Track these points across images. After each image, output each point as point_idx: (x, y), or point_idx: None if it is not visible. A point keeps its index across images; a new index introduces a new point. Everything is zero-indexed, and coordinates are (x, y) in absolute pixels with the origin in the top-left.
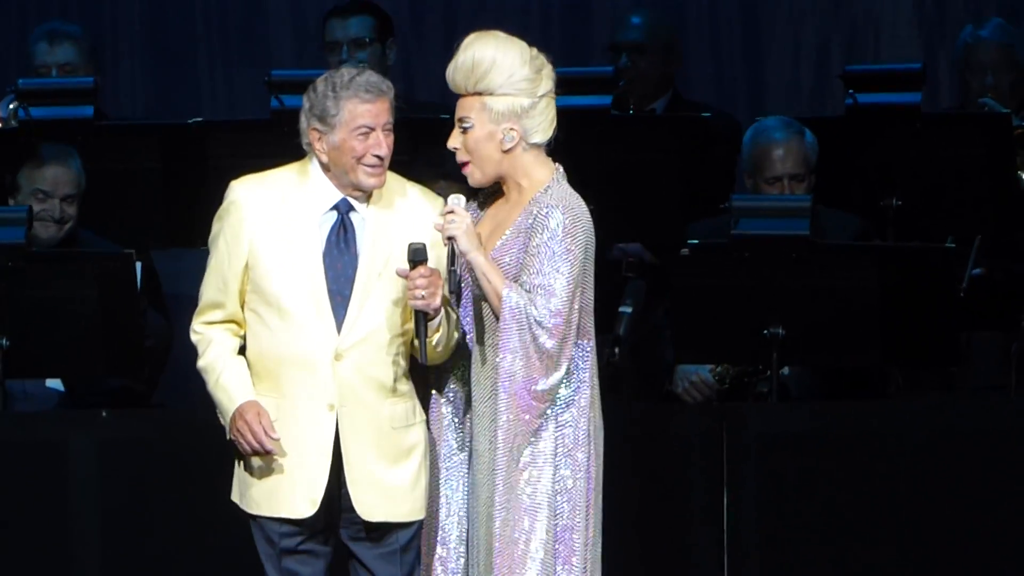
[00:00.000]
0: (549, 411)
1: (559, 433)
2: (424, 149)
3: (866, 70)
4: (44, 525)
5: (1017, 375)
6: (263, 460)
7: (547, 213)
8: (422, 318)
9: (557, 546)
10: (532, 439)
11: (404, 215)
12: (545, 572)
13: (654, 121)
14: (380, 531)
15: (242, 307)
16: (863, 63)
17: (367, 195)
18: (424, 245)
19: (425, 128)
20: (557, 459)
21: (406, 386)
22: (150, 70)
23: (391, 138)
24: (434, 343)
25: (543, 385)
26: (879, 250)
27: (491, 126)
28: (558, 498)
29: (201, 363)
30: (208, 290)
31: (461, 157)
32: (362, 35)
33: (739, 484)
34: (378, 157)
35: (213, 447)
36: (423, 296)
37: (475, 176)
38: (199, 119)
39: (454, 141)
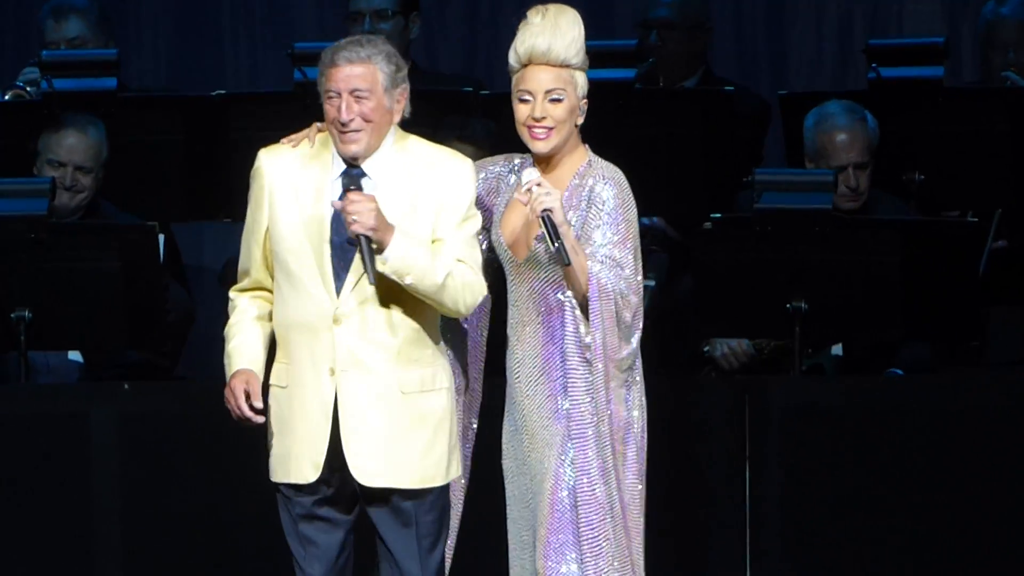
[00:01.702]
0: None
1: (624, 404)
2: (449, 119)
3: (889, 44)
4: (65, 497)
5: None
6: (276, 428)
7: (604, 186)
8: (364, 242)
9: (625, 515)
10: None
11: (423, 178)
12: (618, 542)
13: (678, 95)
14: (392, 501)
15: (270, 274)
16: (886, 37)
17: (383, 158)
18: (361, 172)
19: (448, 100)
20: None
21: (424, 352)
22: (173, 42)
23: (369, 105)
24: (383, 266)
25: (624, 354)
26: (901, 224)
27: (575, 100)
28: (622, 467)
29: (225, 330)
30: (241, 257)
31: (546, 124)
32: (385, 6)
33: (761, 457)
34: (341, 123)
35: (234, 421)
36: (355, 219)
37: (548, 146)
38: (222, 91)
39: (542, 111)
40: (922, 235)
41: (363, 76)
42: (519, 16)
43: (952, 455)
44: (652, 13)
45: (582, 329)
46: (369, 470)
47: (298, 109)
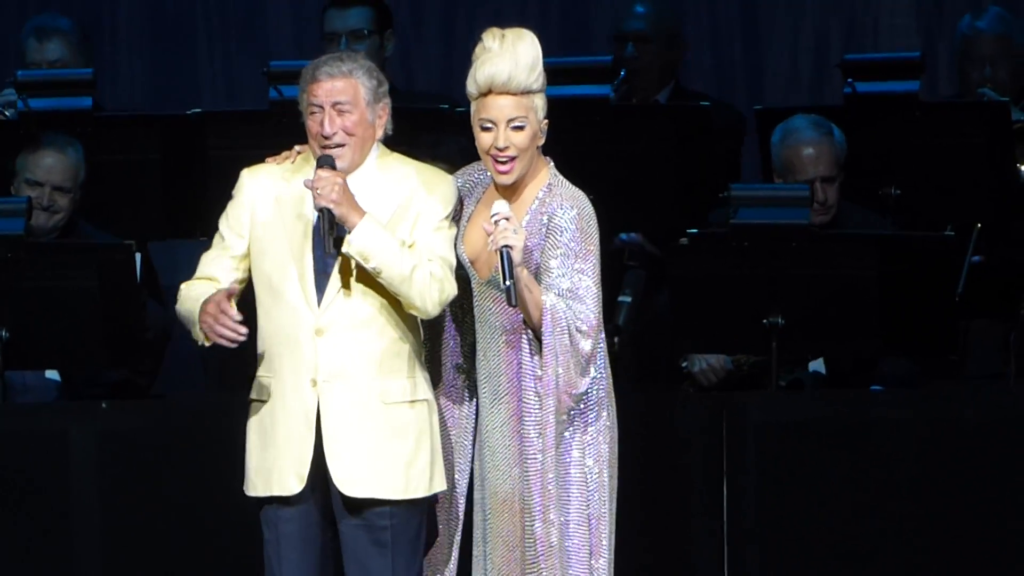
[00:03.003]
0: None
1: (584, 426)
2: (423, 138)
3: (865, 59)
4: (44, 516)
5: (1016, 364)
6: (258, 441)
7: (563, 214)
8: (325, 215)
9: (590, 537)
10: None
11: (404, 192)
12: (580, 563)
13: (654, 111)
14: (372, 515)
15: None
16: (862, 52)
17: (366, 174)
18: (331, 157)
19: (423, 118)
20: (585, 450)
21: (404, 363)
22: (149, 60)
23: (351, 118)
24: (348, 247)
25: (582, 387)
26: (878, 238)
27: (536, 124)
28: (588, 488)
29: (176, 307)
30: (202, 260)
31: (509, 154)
32: (361, 27)
33: (739, 473)
34: (324, 136)
35: (213, 438)
36: (320, 192)
37: (513, 174)
38: (198, 110)
39: (504, 141)
40: (899, 249)
41: (345, 90)
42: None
43: (931, 469)
44: (626, 25)
45: (536, 360)
46: (353, 480)
47: (274, 127)
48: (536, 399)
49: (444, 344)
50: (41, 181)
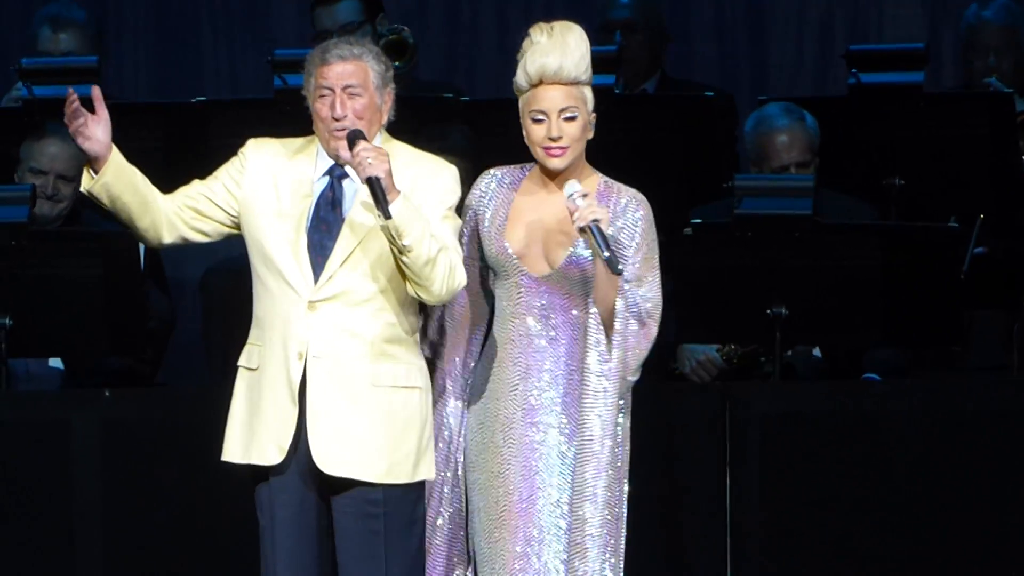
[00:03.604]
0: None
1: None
2: (427, 128)
3: (869, 50)
4: (47, 505)
5: (1019, 355)
6: (246, 408)
7: (636, 207)
8: (377, 183)
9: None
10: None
11: (407, 179)
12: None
13: (656, 101)
14: (361, 500)
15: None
16: (866, 42)
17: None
18: (359, 129)
19: (427, 108)
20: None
21: (400, 348)
22: (153, 49)
23: (361, 101)
24: (393, 222)
25: (637, 375)
26: (882, 229)
27: (586, 116)
28: (615, 485)
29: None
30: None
31: (562, 144)
32: (351, 19)
33: (742, 464)
34: (335, 118)
35: (216, 428)
36: (371, 162)
37: (564, 162)
38: (202, 98)
39: (558, 131)
40: (902, 240)
41: (355, 73)
42: (499, 22)
43: (933, 460)
44: (613, 14)
45: (603, 347)
46: (332, 458)
47: (278, 115)
48: (600, 383)
49: (466, 342)
50: (45, 169)
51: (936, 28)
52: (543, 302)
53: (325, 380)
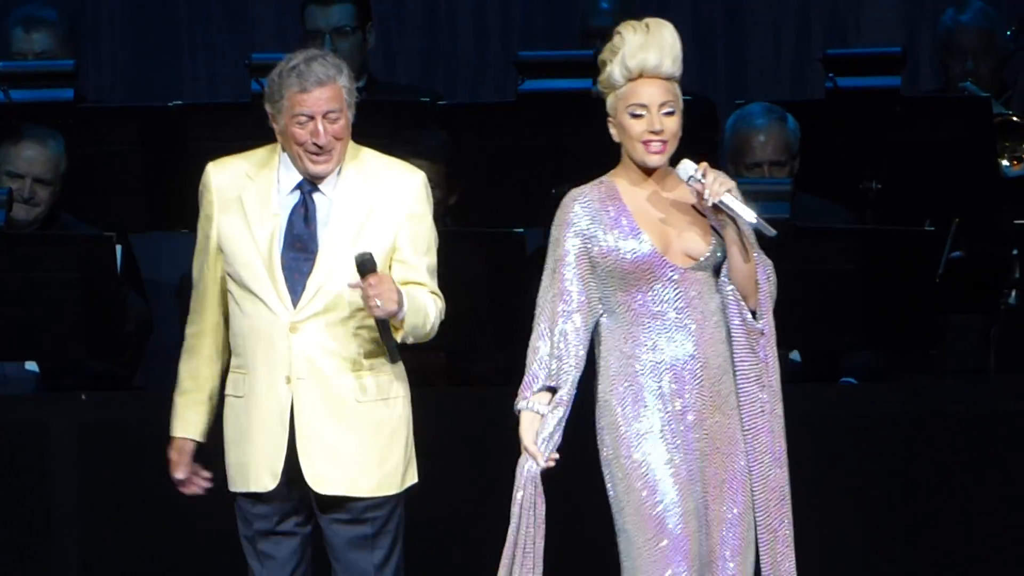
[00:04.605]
0: None
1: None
2: (402, 132)
3: (846, 54)
4: (24, 508)
5: (996, 358)
6: (235, 437)
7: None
8: (387, 323)
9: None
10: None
11: (379, 192)
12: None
13: None
14: (349, 511)
15: (221, 289)
16: (844, 46)
17: (336, 174)
18: (371, 255)
19: (405, 112)
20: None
21: (380, 360)
22: (130, 52)
23: (339, 124)
24: (405, 333)
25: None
26: (857, 233)
27: (680, 112)
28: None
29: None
30: (194, 270)
31: (663, 138)
32: (344, 23)
33: None
34: (318, 146)
35: None
36: (379, 304)
37: (663, 159)
38: (179, 102)
39: (659, 124)
40: (879, 244)
41: (334, 98)
42: (476, 25)
43: (911, 463)
44: (594, 21)
45: (748, 318)
46: (325, 478)
47: (255, 120)
48: (752, 356)
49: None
50: (22, 173)
51: (913, 31)
52: (692, 292)
53: (313, 401)
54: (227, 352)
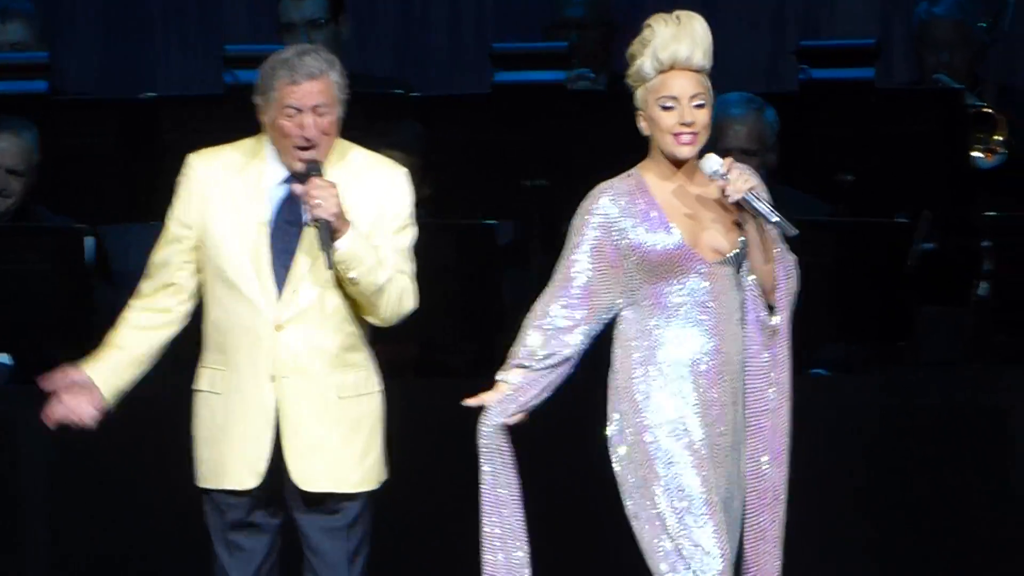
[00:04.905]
0: None
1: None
2: (377, 124)
3: (820, 45)
4: None
5: (967, 349)
6: (209, 434)
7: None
8: (324, 226)
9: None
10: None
11: (361, 186)
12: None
13: (609, 97)
14: (326, 503)
15: (193, 277)
16: (818, 38)
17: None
18: (318, 162)
19: (379, 104)
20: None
21: (358, 355)
22: (104, 44)
23: (328, 119)
24: (339, 257)
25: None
26: (831, 225)
27: (710, 104)
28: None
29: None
30: (155, 257)
31: (694, 130)
32: (318, 16)
33: None
34: (306, 139)
35: (165, 424)
36: (320, 204)
37: (693, 151)
38: (152, 94)
39: (691, 116)
40: (851, 235)
41: (324, 91)
42: (451, 16)
43: (883, 454)
44: (567, 12)
45: (763, 315)
46: (310, 476)
47: (229, 111)
48: (766, 352)
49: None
50: None
51: (888, 23)
52: (720, 287)
53: (297, 399)
54: (159, 348)
